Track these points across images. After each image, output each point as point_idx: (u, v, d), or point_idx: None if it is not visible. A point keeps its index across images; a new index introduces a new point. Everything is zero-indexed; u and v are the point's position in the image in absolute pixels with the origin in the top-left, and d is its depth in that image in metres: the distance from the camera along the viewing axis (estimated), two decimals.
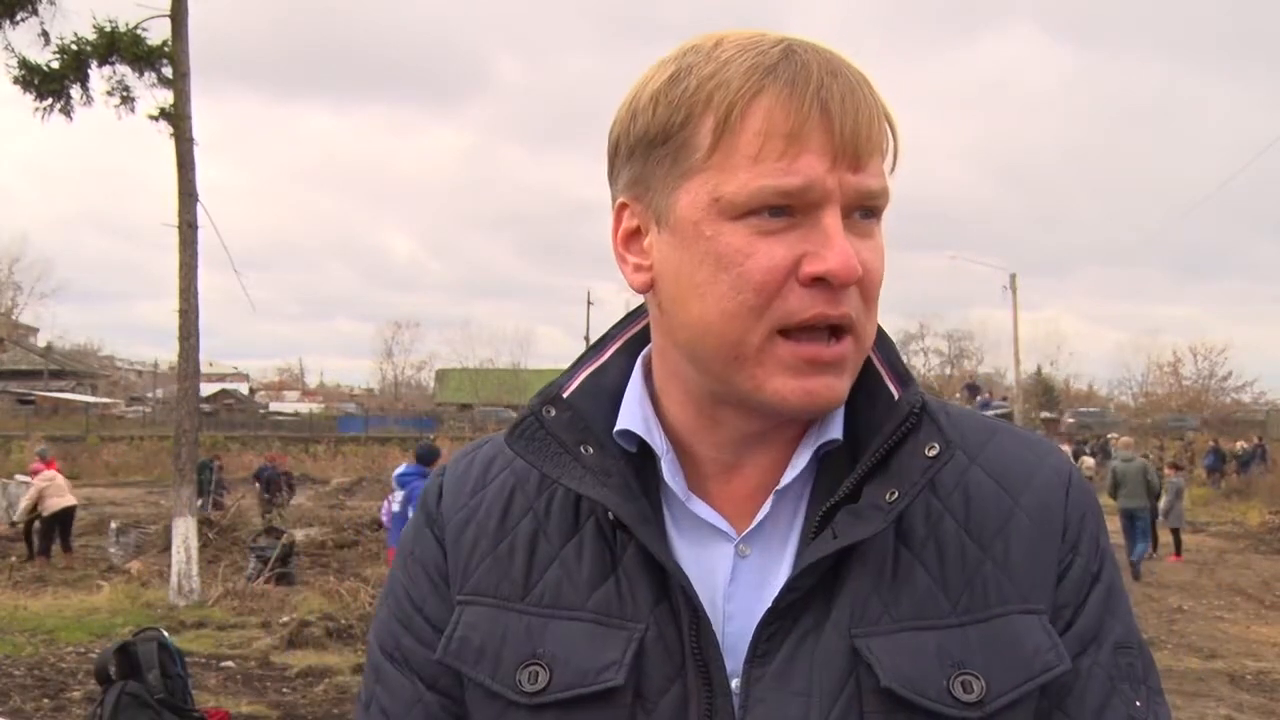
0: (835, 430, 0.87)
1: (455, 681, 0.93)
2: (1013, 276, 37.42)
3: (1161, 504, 14.89)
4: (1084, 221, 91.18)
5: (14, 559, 15.27)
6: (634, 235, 0.88)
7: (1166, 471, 16.54)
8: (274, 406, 64.80)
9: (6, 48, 11.66)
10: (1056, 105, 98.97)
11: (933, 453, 0.85)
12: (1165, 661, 9.26)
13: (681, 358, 0.88)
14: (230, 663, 8.67)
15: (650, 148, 0.84)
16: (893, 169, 0.85)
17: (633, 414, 0.90)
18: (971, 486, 0.89)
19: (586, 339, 54.02)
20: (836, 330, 0.82)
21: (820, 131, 0.79)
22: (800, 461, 0.87)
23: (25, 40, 11.88)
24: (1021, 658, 0.84)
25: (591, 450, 0.89)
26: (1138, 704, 0.89)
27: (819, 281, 0.80)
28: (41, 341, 63.50)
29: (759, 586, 0.86)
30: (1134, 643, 0.91)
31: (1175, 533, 15.35)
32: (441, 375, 60.10)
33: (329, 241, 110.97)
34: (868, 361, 0.90)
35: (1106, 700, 0.88)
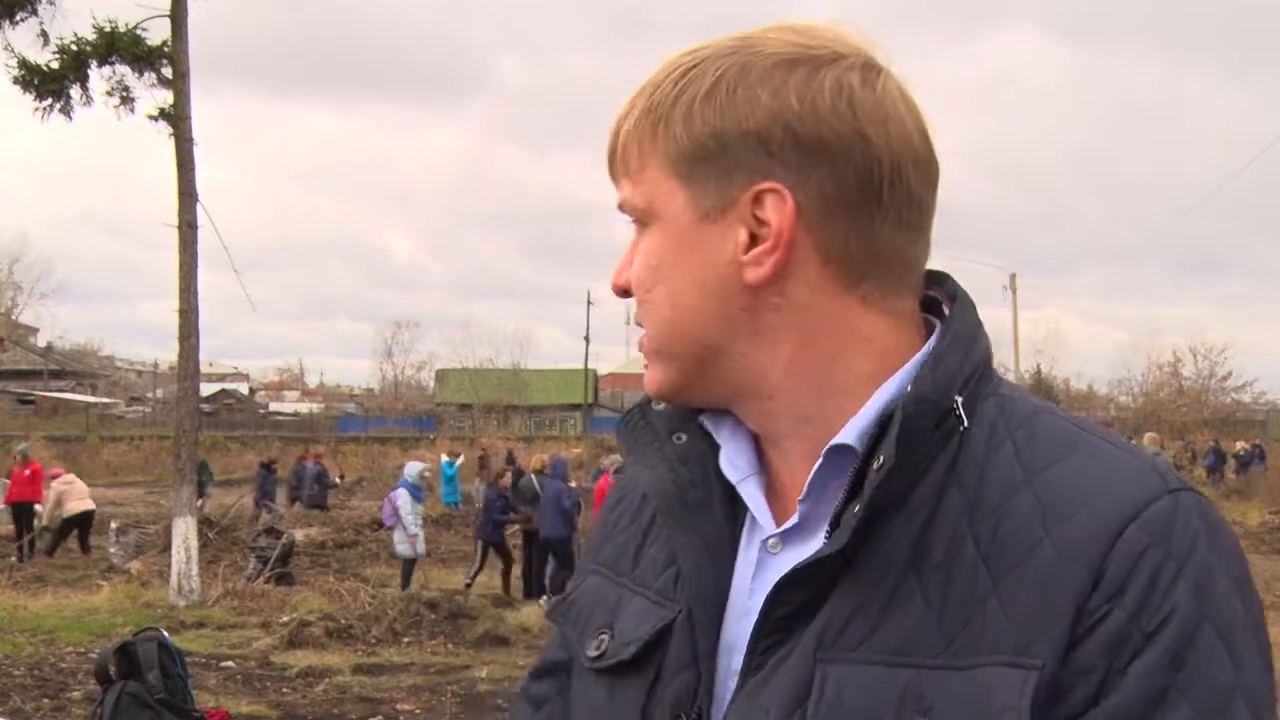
0: (847, 435, 0.81)
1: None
2: (1012, 276, 37.44)
3: None
4: (1084, 221, 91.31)
5: (13, 559, 15.29)
6: None
7: None
8: (274, 406, 64.84)
9: (6, 48, 11.68)
10: (1057, 104, 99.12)
11: (876, 465, 0.78)
12: None
13: None
14: (230, 663, 8.67)
15: None
16: (667, 166, 0.84)
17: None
18: (1012, 510, 0.76)
19: (586, 339, 54.08)
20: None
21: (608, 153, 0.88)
22: (813, 467, 0.83)
23: (25, 40, 11.88)
24: (984, 714, 0.72)
25: (685, 438, 0.92)
26: None
27: None
28: (41, 341, 63.53)
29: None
30: None
31: None
32: (441, 375, 59.99)
33: (329, 241, 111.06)
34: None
35: None
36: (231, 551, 14.69)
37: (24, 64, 11.62)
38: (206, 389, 48.28)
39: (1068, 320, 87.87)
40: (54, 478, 16.40)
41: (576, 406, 52.05)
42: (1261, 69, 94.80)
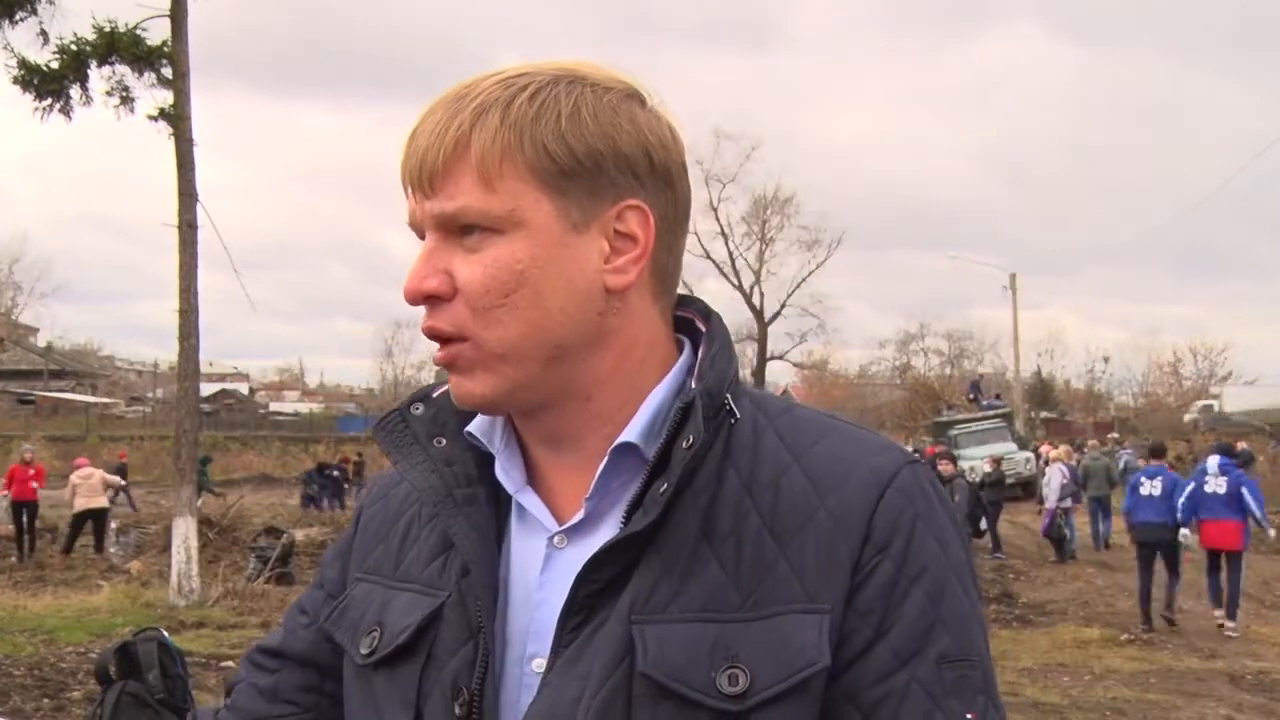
0: (630, 434, 0.91)
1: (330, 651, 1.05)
2: (1012, 276, 37.48)
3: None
4: (1085, 221, 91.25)
5: (13, 559, 15.29)
6: None
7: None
8: (274, 406, 64.83)
9: (6, 47, 11.66)
10: (1057, 104, 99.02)
11: (685, 444, 0.87)
12: (1166, 661, 9.28)
13: None
14: (230, 663, 8.67)
15: None
16: (526, 177, 0.88)
17: (485, 417, 0.98)
18: (784, 485, 0.90)
19: None
20: (446, 340, 0.91)
21: (405, 167, 0.91)
22: (600, 466, 0.91)
23: (25, 40, 11.87)
24: (788, 654, 0.84)
25: (445, 442, 0.98)
26: (969, 717, 0.86)
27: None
28: (41, 341, 63.53)
29: (568, 577, 0.90)
30: (970, 654, 0.87)
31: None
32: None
33: (329, 241, 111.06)
34: (691, 365, 0.95)
35: (927, 718, 0.85)
36: (231, 551, 14.70)
37: (24, 64, 11.60)
38: (206, 389, 48.29)
39: (1068, 320, 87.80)
40: (76, 468, 16.45)
41: None
42: (1262, 69, 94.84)
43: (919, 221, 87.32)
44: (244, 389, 70.52)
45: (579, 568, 0.89)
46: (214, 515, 17.01)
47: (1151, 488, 10.96)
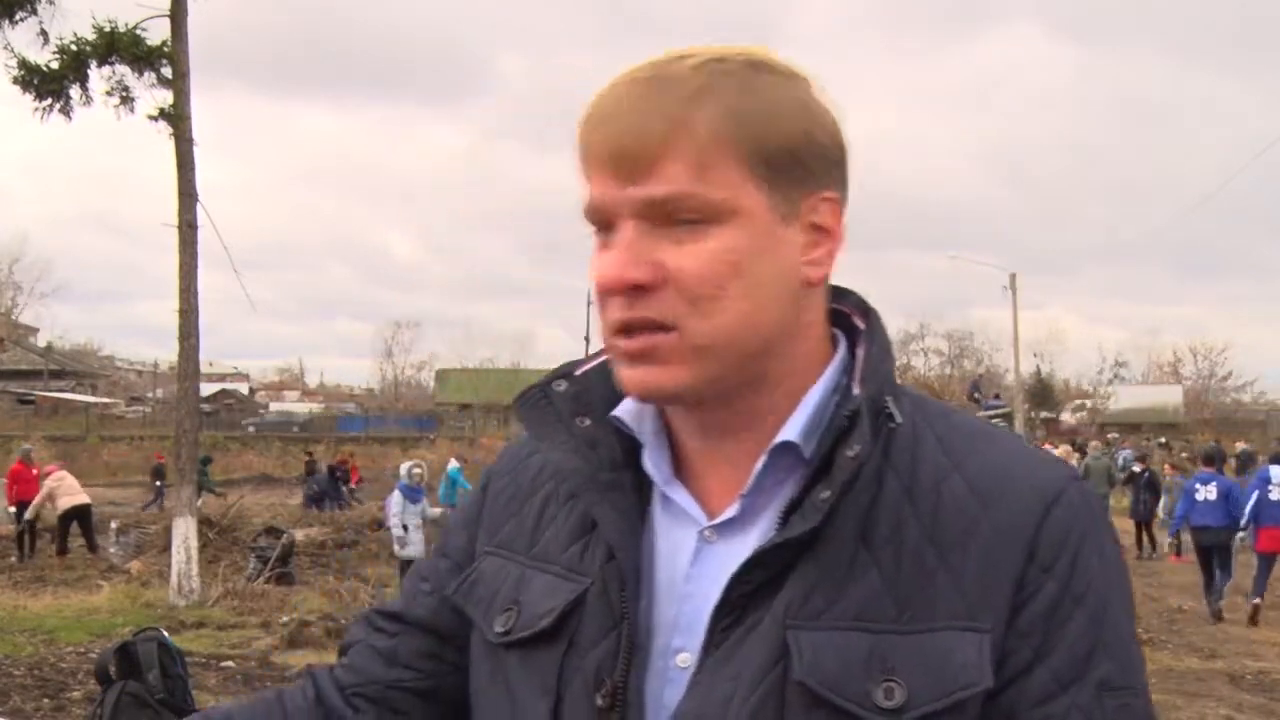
0: (789, 432, 0.89)
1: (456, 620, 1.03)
2: (1012, 276, 37.41)
3: (1162, 505, 14.88)
4: (1085, 221, 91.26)
5: (13, 559, 15.29)
6: None
7: (1167, 471, 16.56)
8: (274, 406, 64.84)
9: (6, 47, 11.67)
10: (1058, 104, 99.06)
11: (850, 453, 0.85)
12: (1166, 661, 9.27)
13: None
14: (230, 663, 8.67)
15: None
16: (745, 166, 0.86)
17: (633, 402, 0.95)
18: (946, 493, 0.87)
19: (586, 339, 53.99)
20: (646, 330, 0.87)
21: (599, 151, 0.87)
22: (758, 464, 0.90)
23: (24, 40, 11.87)
24: (947, 672, 0.82)
25: (589, 423, 0.96)
26: None
27: (609, 290, 0.87)
28: (41, 341, 63.52)
29: (718, 573, 0.88)
30: (1133, 683, 0.86)
31: (1176, 534, 15.35)
32: (441, 375, 60.07)
33: (329, 241, 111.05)
34: (851, 368, 0.93)
35: None
36: (231, 551, 14.70)
37: (24, 64, 11.61)
38: (206, 389, 48.27)
39: (1068, 320, 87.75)
40: (48, 475, 16.40)
41: None
42: (1262, 69, 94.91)
43: (919, 221, 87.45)
44: (244, 389, 70.52)
45: (730, 564, 0.87)
46: (214, 515, 17.00)
47: (1207, 493, 11.61)
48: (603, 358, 1.00)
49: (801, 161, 0.88)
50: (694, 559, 0.91)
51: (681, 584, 0.90)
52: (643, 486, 0.94)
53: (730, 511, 0.90)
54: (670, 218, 0.85)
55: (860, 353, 0.93)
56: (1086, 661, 0.84)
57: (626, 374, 0.89)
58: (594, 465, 0.94)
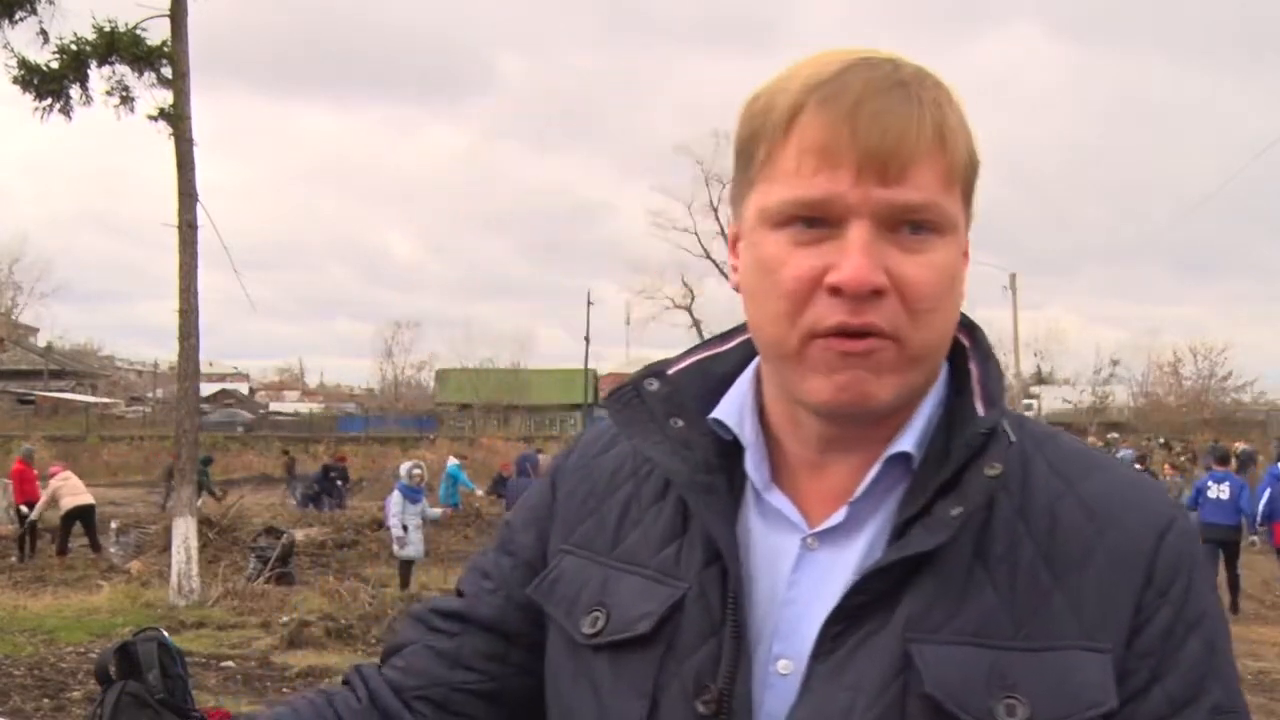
0: (905, 443, 0.89)
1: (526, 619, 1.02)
2: (1012, 276, 37.48)
3: None
4: (1084, 221, 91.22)
5: (13, 559, 15.29)
6: (735, 240, 0.95)
7: (1167, 471, 16.56)
8: (274, 406, 64.82)
9: (6, 47, 11.66)
10: (1057, 104, 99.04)
11: (992, 472, 0.86)
12: None
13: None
14: (230, 663, 8.67)
15: (736, 160, 0.92)
16: (960, 184, 0.87)
17: (731, 404, 0.95)
18: (1061, 514, 0.88)
19: (586, 339, 54.02)
20: (871, 336, 0.85)
21: (847, 146, 0.83)
22: (872, 472, 0.89)
23: (24, 40, 11.87)
24: (1069, 691, 0.83)
25: (681, 424, 0.95)
26: None
27: (840, 291, 0.83)
28: (41, 341, 63.49)
29: (822, 581, 0.88)
30: (1238, 707, 0.88)
31: None
32: (441, 375, 60.03)
33: (329, 241, 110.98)
34: (967, 382, 0.93)
35: None
36: (231, 551, 14.69)
37: (24, 64, 11.60)
38: (206, 389, 48.29)
39: (1068, 320, 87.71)
40: (51, 475, 16.41)
41: (577, 406, 52.02)
42: (1262, 69, 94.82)
43: None
44: (244, 389, 70.54)
45: (835, 572, 0.88)
46: (214, 515, 16.99)
47: (1219, 491, 11.81)
48: (695, 358, 1.01)
49: (974, 180, 0.90)
50: (796, 565, 0.90)
51: (783, 590, 0.90)
52: (734, 490, 0.94)
53: (836, 519, 0.90)
54: (901, 225, 0.84)
55: (974, 369, 0.94)
56: (1199, 685, 0.86)
57: (824, 382, 0.85)
58: (690, 466, 0.93)
